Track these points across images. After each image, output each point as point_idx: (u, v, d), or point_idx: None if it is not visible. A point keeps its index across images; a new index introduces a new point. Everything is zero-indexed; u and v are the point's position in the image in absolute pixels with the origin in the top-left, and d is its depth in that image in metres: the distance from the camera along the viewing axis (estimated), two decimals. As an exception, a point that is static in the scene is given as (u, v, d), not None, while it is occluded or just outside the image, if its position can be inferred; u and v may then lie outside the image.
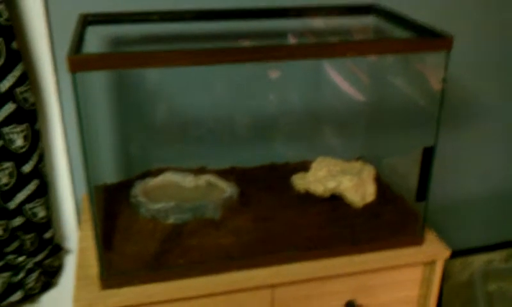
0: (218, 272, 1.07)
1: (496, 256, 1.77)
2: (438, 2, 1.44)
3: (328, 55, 1.08)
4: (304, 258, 1.11)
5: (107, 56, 0.86)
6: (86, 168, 0.94)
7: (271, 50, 0.96)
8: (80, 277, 1.07)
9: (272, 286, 1.10)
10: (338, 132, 1.49)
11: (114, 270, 1.04)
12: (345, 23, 1.35)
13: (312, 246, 1.12)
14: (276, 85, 1.39)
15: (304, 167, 1.35)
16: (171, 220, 1.14)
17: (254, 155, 1.43)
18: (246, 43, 1.29)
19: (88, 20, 1.10)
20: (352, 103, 1.46)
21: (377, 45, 1.02)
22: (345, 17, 1.32)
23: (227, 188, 1.23)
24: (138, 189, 1.21)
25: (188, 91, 1.33)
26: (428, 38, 1.03)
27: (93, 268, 1.08)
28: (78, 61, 0.85)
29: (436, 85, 1.26)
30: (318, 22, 1.33)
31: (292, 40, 1.33)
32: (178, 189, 1.25)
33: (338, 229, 1.16)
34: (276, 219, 1.18)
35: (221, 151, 1.42)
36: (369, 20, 1.31)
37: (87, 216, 1.26)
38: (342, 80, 1.42)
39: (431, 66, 1.24)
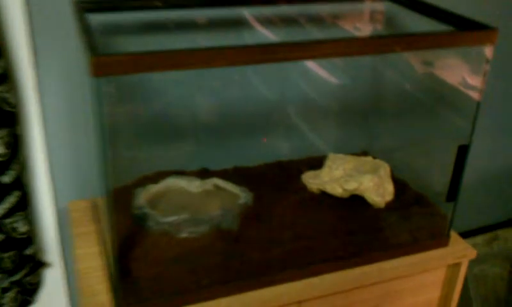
0: (244, 291, 0.96)
1: (479, 240, 1.78)
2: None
3: (368, 52, 0.98)
4: (334, 268, 1.02)
5: (142, 58, 0.72)
6: (105, 180, 0.81)
7: (309, 47, 0.85)
8: (89, 309, 0.93)
9: (299, 302, 1.01)
10: (337, 125, 1.40)
11: (130, 298, 0.91)
12: (354, 8, 1.25)
13: (342, 255, 1.03)
14: (277, 76, 1.28)
15: (311, 164, 1.26)
16: (184, 234, 1.01)
17: (250, 153, 1.31)
18: (254, 30, 1.17)
19: (83, 8, 0.94)
20: (352, 94, 1.37)
21: (418, 39, 0.92)
22: (358, 3, 1.23)
23: (240, 193, 1.12)
24: (141, 199, 1.07)
25: (177, 86, 1.19)
26: (471, 31, 0.96)
27: (102, 296, 0.95)
28: (105, 64, 0.71)
29: (445, 76, 1.21)
30: (325, 8, 1.23)
31: (296, 26, 1.21)
32: (185, 196, 1.12)
33: (366, 235, 1.08)
34: (298, 227, 1.08)
35: (213, 151, 1.29)
36: (381, 6, 1.22)
37: (80, 229, 1.10)
38: (342, 68, 1.33)
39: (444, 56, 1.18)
